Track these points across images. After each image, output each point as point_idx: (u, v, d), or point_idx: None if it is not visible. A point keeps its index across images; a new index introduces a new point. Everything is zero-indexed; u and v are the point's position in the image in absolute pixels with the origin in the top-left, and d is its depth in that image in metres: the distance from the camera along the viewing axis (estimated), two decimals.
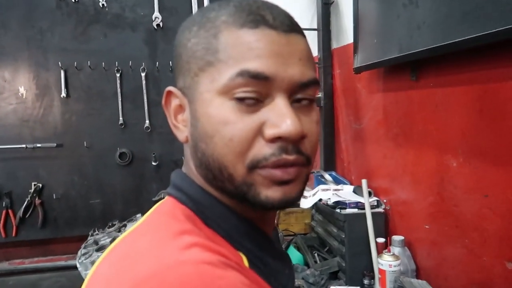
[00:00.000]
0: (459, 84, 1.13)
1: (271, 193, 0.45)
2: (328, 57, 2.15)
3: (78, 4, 1.97)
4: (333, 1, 2.07)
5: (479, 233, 1.06)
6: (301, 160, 0.46)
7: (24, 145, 1.95)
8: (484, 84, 1.02)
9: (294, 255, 1.80)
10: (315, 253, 1.76)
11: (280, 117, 0.44)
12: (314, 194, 1.90)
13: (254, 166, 0.45)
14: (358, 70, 1.68)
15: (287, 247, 1.86)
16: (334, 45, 2.11)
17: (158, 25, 2.04)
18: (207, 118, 0.46)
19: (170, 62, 2.05)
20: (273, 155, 0.44)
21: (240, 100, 0.44)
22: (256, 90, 0.44)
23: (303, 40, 0.49)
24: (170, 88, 0.51)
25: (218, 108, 0.45)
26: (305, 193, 1.99)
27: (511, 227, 0.95)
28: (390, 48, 1.38)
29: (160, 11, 2.03)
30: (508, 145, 0.95)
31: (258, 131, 0.45)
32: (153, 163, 2.04)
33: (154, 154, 2.04)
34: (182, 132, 0.51)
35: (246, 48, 0.45)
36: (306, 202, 1.89)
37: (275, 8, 0.48)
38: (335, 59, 2.12)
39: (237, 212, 0.49)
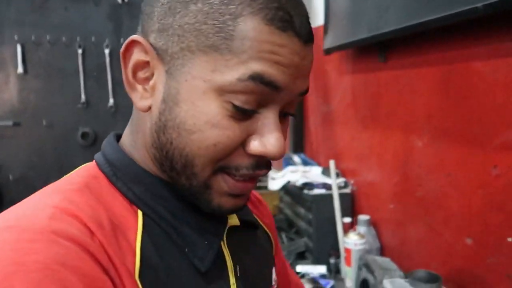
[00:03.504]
0: (426, 65, 1.14)
1: (223, 202, 0.44)
2: None
3: None
4: None
5: (441, 212, 1.09)
6: (266, 173, 0.45)
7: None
8: (450, 64, 1.04)
9: None
10: (282, 234, 1.77)
11: (269, 134, 0.41)
12: (282, 176, 1.90)
13: (221, 169, 0.42)
14: (328, 52, 1.67)
15: None
16: None
17: (123, 0, 1.95)
18: (193, 110, 0.40)
19: None
20: (246, 168, 0.42)
21: (238, 108, 0.39)
22: (259, 98, 0.40)
23: (312, 50, 0.44)
24: (138, 38, 0.42)
25: (209, 105, 0.39)
26: (274, 175, 1.99)
27: (471, 204, 0.98)
28: (359, 29, 1.38)
29: None
30: (471, 125, 0.97)
31: (243, 141, 0.41)
32: None
33: None
34: (143, 98, 0.43)
35: (268, 49, 0.38)
36: (275, 184, 1.89)
37: (301, 8, 0.42)
38: None
39: (161, 178, 0.45)
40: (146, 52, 0.42)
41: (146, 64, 0.42)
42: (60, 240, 0.34)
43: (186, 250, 0.44)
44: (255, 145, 0.41)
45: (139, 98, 0.43)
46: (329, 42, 1.65)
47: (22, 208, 0.38)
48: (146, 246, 0.41)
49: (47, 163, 1.93)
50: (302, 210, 1.66)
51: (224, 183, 0.43)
